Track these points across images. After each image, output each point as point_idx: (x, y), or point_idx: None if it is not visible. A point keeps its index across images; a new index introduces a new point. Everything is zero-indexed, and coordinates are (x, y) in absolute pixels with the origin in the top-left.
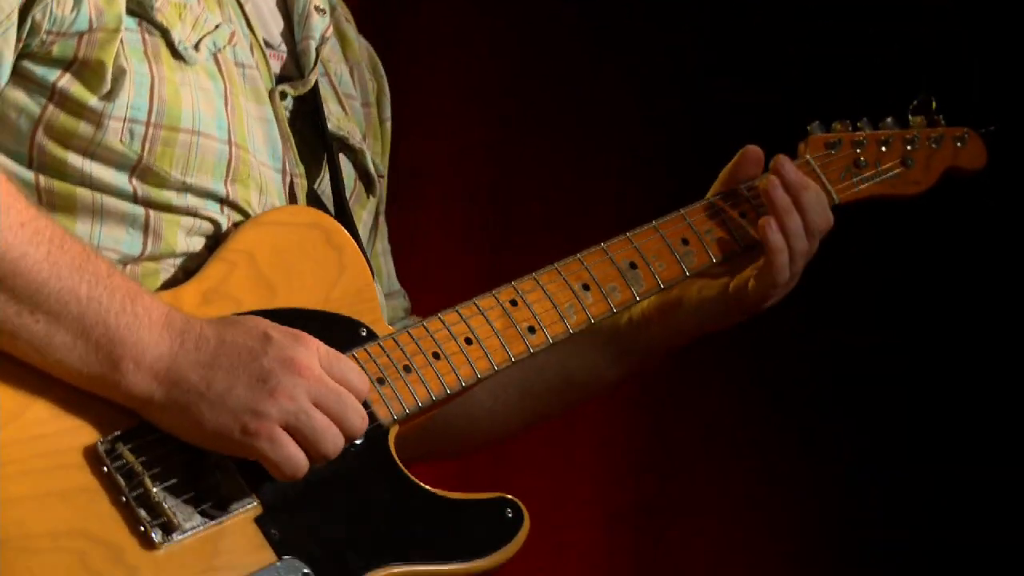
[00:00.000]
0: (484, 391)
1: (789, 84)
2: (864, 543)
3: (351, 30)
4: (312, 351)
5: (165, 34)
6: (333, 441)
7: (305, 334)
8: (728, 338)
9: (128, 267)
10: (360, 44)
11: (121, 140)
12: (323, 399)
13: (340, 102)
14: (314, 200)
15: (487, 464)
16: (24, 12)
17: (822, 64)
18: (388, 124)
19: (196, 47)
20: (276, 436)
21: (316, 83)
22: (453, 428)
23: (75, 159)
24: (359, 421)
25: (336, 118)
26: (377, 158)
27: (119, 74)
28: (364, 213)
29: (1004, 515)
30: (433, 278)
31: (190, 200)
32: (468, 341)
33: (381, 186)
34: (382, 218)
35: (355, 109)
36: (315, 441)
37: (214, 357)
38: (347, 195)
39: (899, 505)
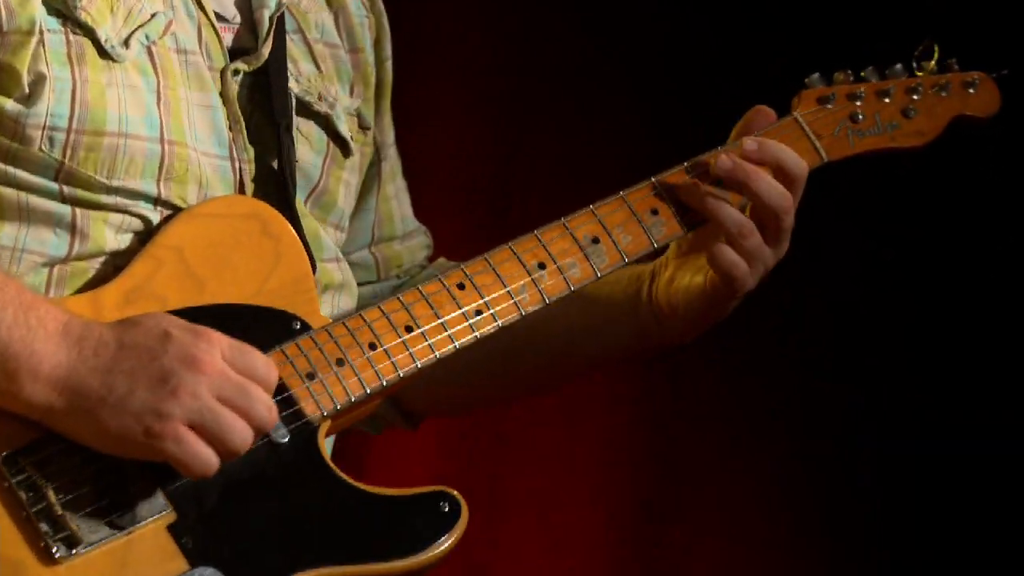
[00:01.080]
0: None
1: (794, 67)
2: (864, 543)
3: None
4: (214, 346)
5: (90, 33)
6: (241, 435)
7: (207, 329)
8: (728, 338)
9: (56, 268)
10: None
11: (40, 148)
12: (226, 393)
13: (315, 59)
14: (269, 179)
15: (487, 464)
16: None
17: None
18: (388, 64)
19: (126, 43)
20: (181, 435)
21: (279, 51)
22: (446, 386)
23: None
24: (266, 412)
25: (307, 79)
26: (367, 105)
27: (38, 80)
28: (344, 173)
29: (1005, 515)
30: None
31: (119, 200)
32: (408, 329)
33: (381, 131)
34: (386, 162)
35: (340, 59)
36: (222, 436)
37: (114, 361)
38: (321, 160)
39: (900, 505)
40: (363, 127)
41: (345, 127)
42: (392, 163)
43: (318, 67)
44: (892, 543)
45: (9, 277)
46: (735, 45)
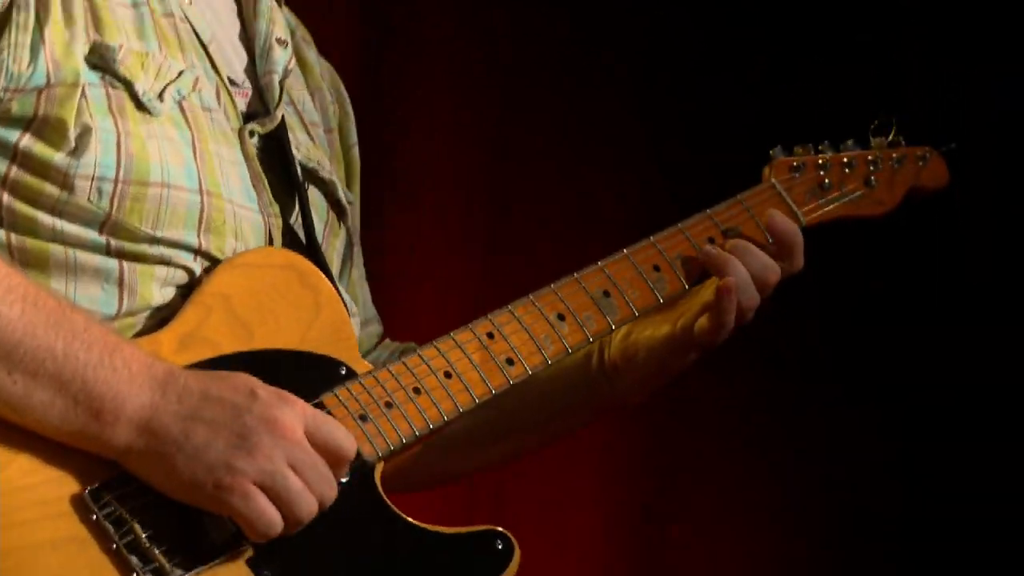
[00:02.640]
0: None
1: (788, 87)
2: (864, 543)
3: (311, 53)
4: (298, 413)
5: (128, 87)
6: (308, 506)
7: (290, 395)
8: (727, 339)
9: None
10: (321, 66)
11: (89, 199)
12: (300, 464)
13: (307, 130)
14: (289, 237)
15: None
16: None
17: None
18: (355, 151)
19: (160, 97)
20: (249, 492)
21: (283, 117)
22: (425, 461)
23: (44, 217)
24: (330, 492)
25: (306, 148)
26: (343, 183)
27: (84, 132)
28: (337, 242)
29: (1006, 516)
30: (430, 278)
31: (163, 251)
32: (447, 375)
33: (353, 215)
34: (357, 246)
35: (320, 136)
36: (290, 504)
37: (196, 410)
38: (323, 227)
39: (900, 505)
40: (349, 201)
41: (342, 195)
42: (359, 250)
43: (311, 138)
44: (892, 543)
45: (93, 318)
46: (726, 45)
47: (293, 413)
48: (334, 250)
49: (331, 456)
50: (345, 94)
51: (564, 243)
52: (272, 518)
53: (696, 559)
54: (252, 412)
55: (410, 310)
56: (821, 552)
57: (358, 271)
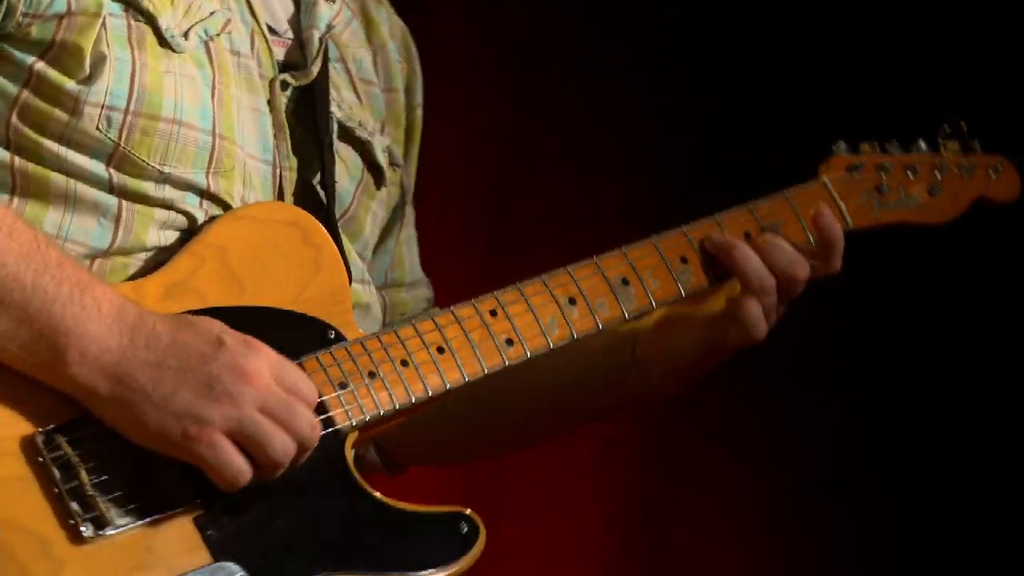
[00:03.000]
0: (462, 402)
1: (797, 85)
2: (864, 543)
3: (381, 11)
4: (263, 358)
5: (151, 21)
6: (282, 447)
7: (257, 341)
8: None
9: (97, 261)
10: (392, 24)
11: (98, 127)
12: (270, 406)
13: (355, 89)
14: (306, 193)
15: (488, 465)
16: None
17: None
18: (419, 111)
19: (185, 35)
20: (217, 442)
21: (323, 72)
22: (440, 434)
23: (51, 144)
24: (308, 428)
25: (348, 106)
26: (397, 146)
27: (98, 60)
28: (374, 205)
29: (1006, 516)
30: (430, 277)
31: (167, 192)
32: (440, 350)
33: (407, 175)
34: (408, 207)
35: (374, 95)
36: (261, 446)
37: (163, 357)
38: (354, 186)
39: (900, 505)
40: (394, 163)
41: (382, 157)
42: (411, 210)
43: (358, 97)
44: (891, 543)
45: (66, 255)
46: (735, 44)
47: (259, 359)
48: (367, 211)
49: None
50: (415, 53)
51: (566, 243)
52: (240, 466)
53: (696, 558)
54: (218, 360)
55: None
56: (821, 552)
57: (407, 232)
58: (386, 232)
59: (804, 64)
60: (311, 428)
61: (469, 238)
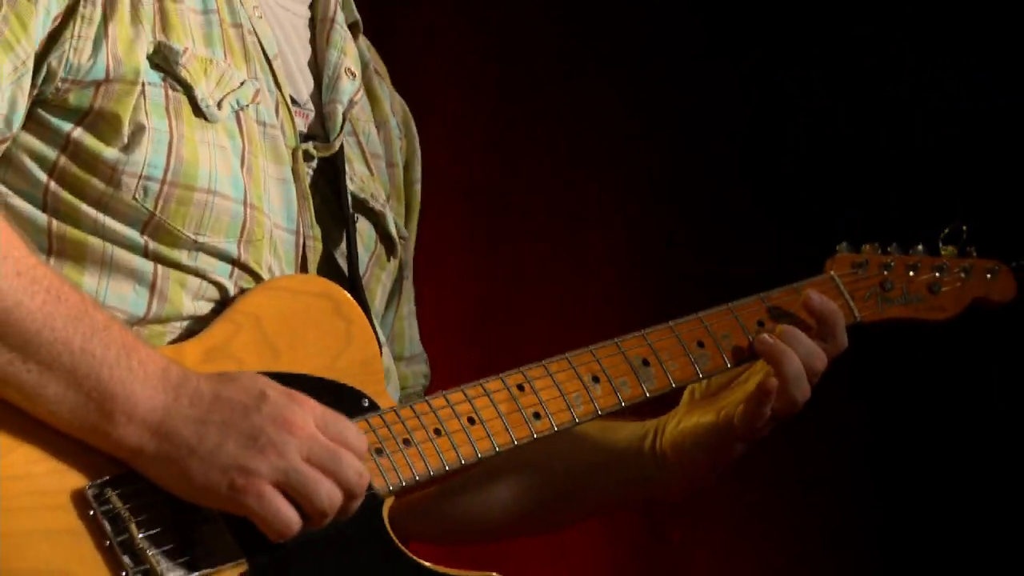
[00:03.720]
0: (488, 484)
1: (785, 83)
2: (865, 543)
3: (383, 87)
4: (307, 411)
5: (188, 90)
6: (328, 495)
7: (302, 395)
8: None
9: (133, 328)
10: (393, 101)
11: (135, 197)
12: (315, 455)
13: (367, 162)
14: (328, 263)
15: None
16: (40, 58)
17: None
18: (417, 187)
19: (219, 105)
20: (264, 492)
21: (341, 146)
22: (460, 515)
23: (88, 209)
24: (355, 476)
25: (361, 179)
26: (400, 219)
27: (137, 130)
28: (383, 275)
29: (1006, 517)
30: (431, 278)
31: (200, 261)
32: (471, 420)
33: (405, 248)
34: (407, 281)
35: (381, 169)
36: (308, 496)
37: (207, 412)
38: (368, 257)
39: (901, 505)
40: (400, 236)
41: (393, 228)
42: (410, 285)
43: (370, 170)
44: (891, 543)
45: (113, 318)
46: (725, 42)
47: (303, 410)
48: (378, 282)
49: None
50: (415, 131)
51: (564, 244)
52: (288, 516)
53: (697, 559)
54: (261, 411)
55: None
56: (822, 552)
57: (408, 307)
58: (387, 306)
59: (792, 58)
60: (358, 476)
61: (469, 239)
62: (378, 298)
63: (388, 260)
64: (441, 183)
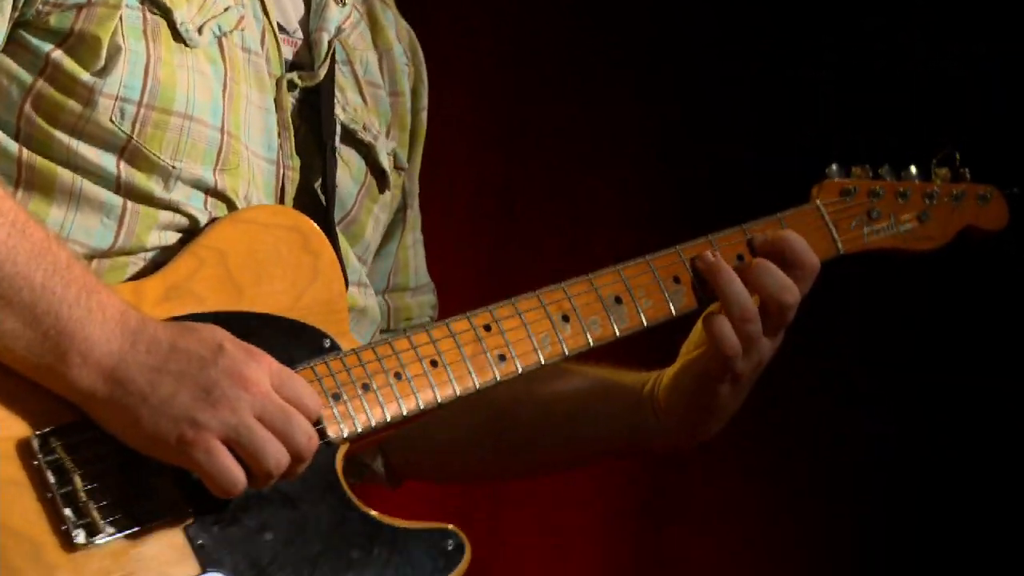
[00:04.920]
0: (469, 425)
1: (799, 91)
2: (864, 543)
3: (388, 14)
4: (263, 367)
5: (167, 14)
6: (275, 457)
7: (259, 350)
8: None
9: (96, 260)
10: (399, 27)
11: (111, 119)
12: (268, 415)
13: (361, 92)
14: (306, 194)
15: None
16: None
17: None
18: (423, 114)
19: (199, 30)
20: (212, 448)
21: (330, 75)
22: (461, 458)
23: (62, 136)
24: (305, 440)
25: (354, 108)
26: (402, 149)
27: (114, 51)
28: (376, 208)
29: (1007, 517)
30: (434, 274)
31: (175, 192)
32: (434, 363)
33: (410, 179)
34: (411, 211)
35: (380, 98)
36: (256, 455)
37: (163, 361)
38: (357, 189)
39: (900, 505)
40: (398, 167)
41: (385, 161)
42: (415, 214)
43: (364, 100)
44: (891, 543)
45: (76, 257)
46: (748, 49)
47: (259, 367)
48: (369, 214)
49: None
50: (421, 57)
51: (570, 242)
52: (234, 474)
53: (696, 558)
54: (218, 365)
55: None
56: (822, 551)
57: (412, 235)
58: (388, 236)
59: (804, 55)
60: (307, 440)
61: (475, 237)
62: (369, 231)
63: (381, 192)
64: (448, 183)
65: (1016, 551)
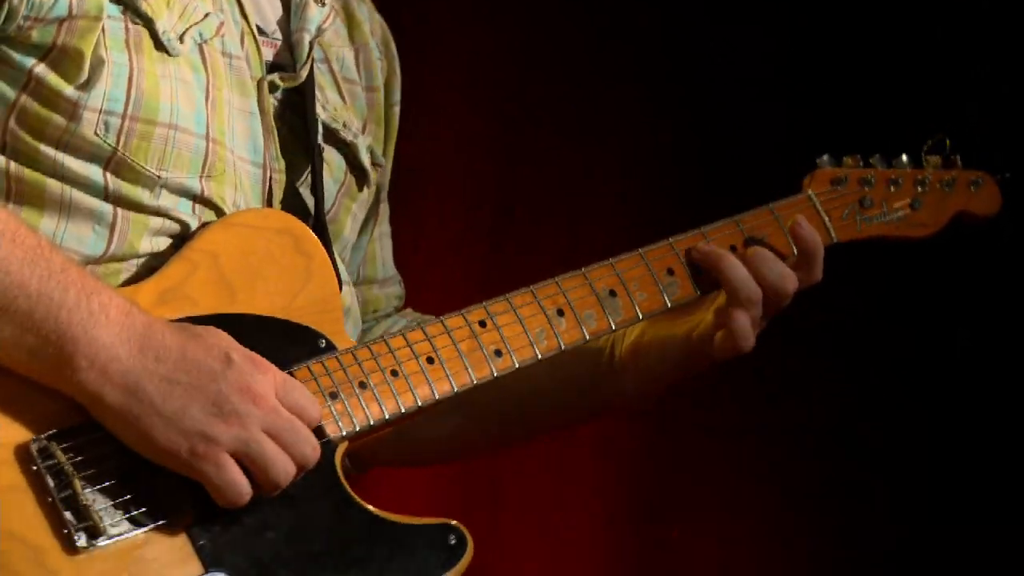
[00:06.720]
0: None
1: (797, 88)
2: (865, 543)
3: (362, 9)
4: (269, 379)
5: (149, 24)
6: (284, 469)
7: (263, 360)
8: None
9: (89, 267)
10: (372, 22)
11: (96, 132)
12: (276, 429)
13: (339, 90)
14: (293, 196)
15: (486, 465)
16: None
17: (832, 69)
18: (396, 109)
19: (181, 38)
20: (222, 461)
21: (310, 76)
22: (412, 436)
23: (48, 150)
24: (310, 450)
25: (334, 107)
26: (378, 145)
27: (97, 64)
28: (354, 206)
29: (1006, 516)
30: (432, 275)
31: (163, 199)
32: (430, 360)
33: (382, 174)
34: (383, 205)
35: (356, 95)
36: (264, 469)
37: (173, 371)
38: (336, 188)
39: (900, 505)
40: (375, 163)
41: (365, 158)
42: (385, 207)
43: (342, 98)
44: (892, 543)
45: (70, 260)
46: (746, 46)
47: (265, 379)
48: (347, 212)
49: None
50: (395, 52)
51: (568, 244)
52: (241, 488)
53: (696, 558)
54: (227, 379)
55: (408, 301)
56: (822, 551)
57: (380, 228)
58: (361, 231)
59: (809, 65)
60: (312, 450)
61: (473, 238)
62: (347, 228)
63: (360, 190)
64: (446, 184)
65: (1016, 551)
